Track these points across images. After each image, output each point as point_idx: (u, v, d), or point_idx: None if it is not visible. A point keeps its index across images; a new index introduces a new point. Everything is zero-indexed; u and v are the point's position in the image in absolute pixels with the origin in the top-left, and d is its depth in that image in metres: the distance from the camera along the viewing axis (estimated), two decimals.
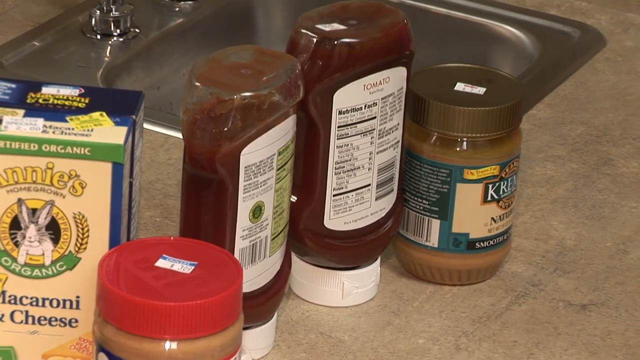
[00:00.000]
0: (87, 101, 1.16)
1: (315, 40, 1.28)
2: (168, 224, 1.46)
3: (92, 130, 1.12)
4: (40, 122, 1.12)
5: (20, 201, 1.13)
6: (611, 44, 1.85)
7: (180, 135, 1.52)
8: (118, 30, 1.78)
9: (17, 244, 1.14)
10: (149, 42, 1.79)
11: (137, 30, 1.79)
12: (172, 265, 1.10)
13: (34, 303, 1.15)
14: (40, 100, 1.16)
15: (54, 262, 1.14)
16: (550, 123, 1.55)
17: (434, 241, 1.40)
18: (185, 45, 1.84)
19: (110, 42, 1.78)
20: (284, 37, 1.91)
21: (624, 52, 1.85)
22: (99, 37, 1.79)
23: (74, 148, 1.11)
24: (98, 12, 1.77)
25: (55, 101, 1.16)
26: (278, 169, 1.23)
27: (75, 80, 1.34)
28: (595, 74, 1.79)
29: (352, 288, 1.37)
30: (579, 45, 1.84)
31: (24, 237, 1.13)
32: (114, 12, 1.77)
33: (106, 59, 1.76)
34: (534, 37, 1.85)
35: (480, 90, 1.39)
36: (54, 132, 1.11)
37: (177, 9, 1.86)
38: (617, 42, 1.86)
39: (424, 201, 1.39)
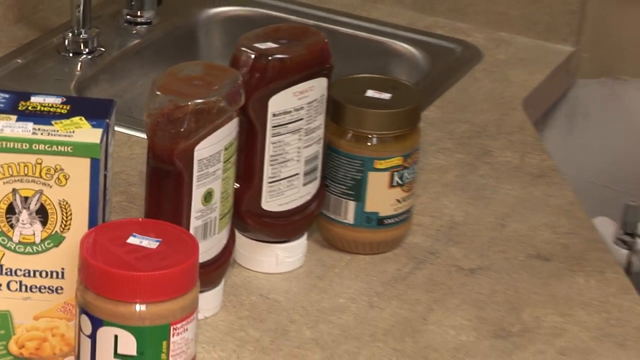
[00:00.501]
0: (68, 108, 1.15)
1: (253, 56, 1.28)
2: (132, 207, 1.45)
3: (73, 132, 1.12)
4: (30, 125, 1.12)
5: (14, 191, 1.12)
6: (487, 58, 1.86)
7: (139, 134, 1.55)
8: (87, 50, 1.76)
9: (12, 226, 1.13)
10: (112, 59, 1.78)
11: (102, 49, 1.78)
12: (140, 242, 1.10)
13: (27, 274, 1.14)
14: (30, 108, 1.15)
15: (43, 241, 1.13)
16: (440, 122, 1.56)
17: (350, 219, 1.40)
18: (142, 62, 1.83)
19: (80, 59, 1.76)
20: (221, 54, 1.91)
21: (497, 63, 1.86)
22: (71, 55, 1.78)
23: (59, 147, 1.11)
24: (70, 34, 1.76)
25: (42, 108, 1.15)
26: (224, 162, 1.24)
27: (52, 91, 1.33)
28: (475, 82, 1.80)
29: (284, 258, 1.37)
30: (461, 58, 1.84)
31: (18, 220, 1.13)
32: (83, 35, 1.76)
33: (77, 73, 1.75)
34: (425, 52, 1.85)
35: (386, 96, 1.39)
36: (42, 134, 1.10)
37: (134, 32, 1.85)
38: (492, 56, 1.87)
39: (341, 186, 1.39)
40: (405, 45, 1.86)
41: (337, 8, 1.94)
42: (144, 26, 1.85)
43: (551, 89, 1.87)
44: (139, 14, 1.85)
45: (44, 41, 1.81)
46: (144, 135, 1.51)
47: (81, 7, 1.75)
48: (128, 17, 1.87)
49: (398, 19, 1.92)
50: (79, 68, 1.75)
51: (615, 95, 1.92)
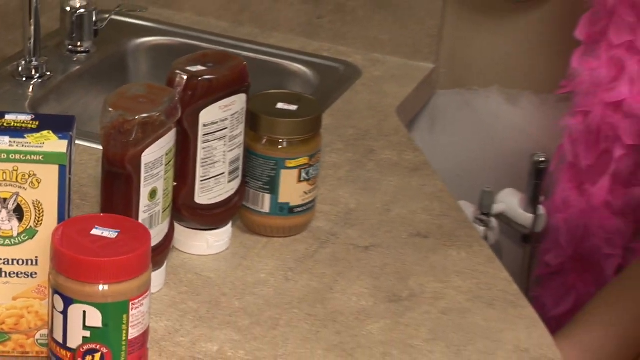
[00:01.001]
0: (37, 124, 1.14)
1: (185, 77, 1.27)
2: (85, 204, 1.44)
3: (43, 143, 1.11)
4: (7, 139, 1.11)
5: None
6: (365, 74, 1.87)
7: (85, 144, 1.53)
8: (37, 74, 1.74)
9: None
10: (58, 82, 1.76)
11: (50, 74, 1.76)
12: (102, 233, 1.09)
13: (6, 263, 1.13)
14: (5, 124, 1.14)
15: (19, 234, 1.12)
16: (331, 128, 1.56)
17: (266, 208, 1.39)
18: (83, 84, 1.81)
19: (32, 83, 1.74)
20: (147, 76, 1.90)
21: (374, 79, 1.87)
22: (24, 79, 1.76)
23: (32, 156, 1.10)
24: (23, 62, 1.75)
25: (16, 124, 1.14)
26: (165, 165, 1.23)
27: (10, 109, 1.32)
28: (357, 95, 1.81)
29: (214, 242, 1.37)
30: (344, 76, 1.85)
31: None
32: (34, 62, 1.74)
33: (30, 94, 1.73)
34: (314, 71, 1.85)
35: (293, 107, 1.39)
36: (17, 146, 1.09)
37: (75, 59, 1.83)
38: (369, 73, 1.88)
39: (259, 182, 1.39)
40: (299, 66, 1.86)
41: (241, 37, 1.94)
42: (84, 54, 1.84)
43: (417, 98, 1.88)
44: (79, 44, 1.84)
45: (1, 68, 1.78)
46: (90, 145, 1.52)
47: (32, 39, 1.74)
48: (70, 47, 1.85)
49: (291, 45, 1.93)
50: (31, 90, 1.72)
51: (467, 103, 1.94)
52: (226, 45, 1.85)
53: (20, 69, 1.78)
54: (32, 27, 1.76)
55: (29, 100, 1.73)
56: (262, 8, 1.95)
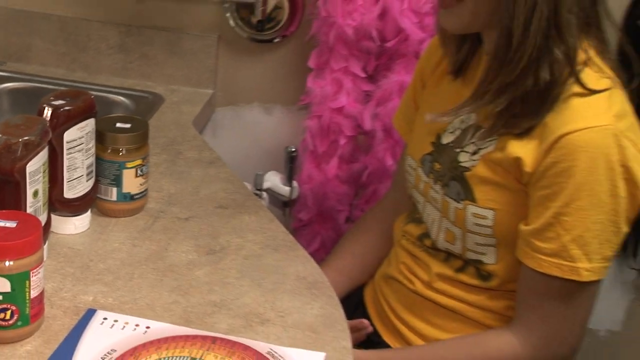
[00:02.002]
0: None
1: (51, 109, 1.23)
2: None
3: None
4: None
5: None
6: (167, 100, 1.84)
7: None
8: None
9: None
10: None
11: None
12: (5, 224, 1.06)
13: None
14: None
15: None
16: (150, 138, 1.45)
17: (114, 197, 1.35)
18: None
19: None
20: (9, 112, 1.81)
21: (173, 103, 1.84)
22: None
23: None
24: None
25: None
26: (43, 172, 1.19)
27: None
28: (163, 115, 1.78)
29: (79, 224, 1.32)
30: (152, 102, 1.83)
31: None
32: None
33: None
34: (131, 100, 1.82)
35: (128, 125, 1.36)
36: None
37: None
38: (170, 99, 1.85)
39: (107, 179, 1.34)
40: (120, 97, 1.82)
41: (76, 79, 1.87)
42: None
43: (204, 114, 1.86)
44: None
45: None
46: None
47: None
48: None
49: (112, 83, 1.87)
50: None
51: (237, 115, 1.94)
52: (65, 86, 1.78)
53: None
54: None
55: None
56: (88, 58, 1.89)
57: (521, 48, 1.21)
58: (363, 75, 1.76)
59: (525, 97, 1.23)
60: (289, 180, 1.82)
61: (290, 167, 1.81)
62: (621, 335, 1.94)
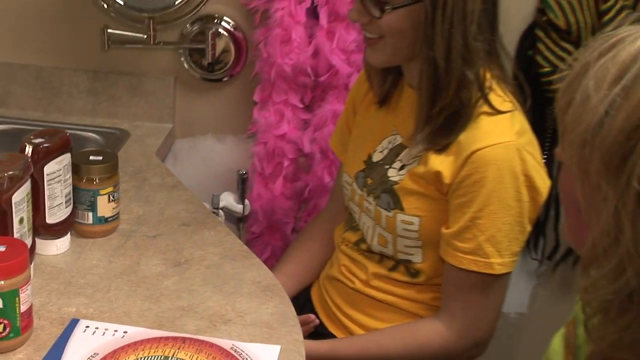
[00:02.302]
0: None
1: (32, 147, 1.22)
2: None
3: None
4: None
5: None
6: (132, 135, 1.80)
7: None
8: None
9: None
10: None
11: None
12: None
13: None
14: None
15: None
16: (120, 167, 1.45)
17: (90, 221, 1.33)
18: None
19: None
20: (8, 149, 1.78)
21: (138, 137, 1.80)
22: None
23: None
24: None
25: None
26: (27, 202, 1.18)
27: None
28: (130, 147, 1.74)
29: (61, 246, 1.30)
30: (120, 137, 1.79)
31: None
32: None
33: None
34: (101, 136, 1.79)
35: (100, 158, 1.34)
36: None
37: None
38: (135, 134, 1.81)
39: (84, 205, 1.33)
40: (91, 134, 1.78)
41: (51, 120, 1.83)
42: None
43: (165, 145, 1.83)
44: None
45: None
46: None
47: None
48: None
49: (84, 122, 1.84)
50: None
51: (194, 145, 1.91)
52: (43, 126, 1.73)
53: None
54: None
55: None
56: (62, 101, 1.86)
57: (448, 73, 1.22)
58: (301, 105, 1.75)
59: (448, 118, 1.25)
60: (241, 199, 1.81)
61: (242, 187, 1.80)
62: (527, 316, 1.95)
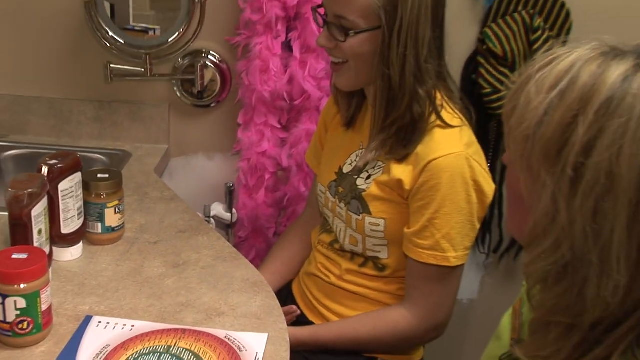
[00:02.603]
0: None
1: (48, 167, 1.21)
2: (6, 245, 1.29)
3: None
4: None
5: None
6: (134, 155, 1.78)
7: None
8: None
9: None
10: None
11: None
12: (18, 256, 1.04)
13: None
14: None
15: None
16: (124, 183, 1.45)
17: (99, 230, 1.32)
18: None
19: None
20: (14, 172, 1.74)
21: (139, 157, 1.78)
22: None
23: None
24: None
25: None
26: (44, 215, 1.17)
27: None
28: (132, 166, 1.72)
29: (74, 253, 1.29)
30: (122, 158, 1.76)
31: None
32: None
33: None
34: (106, 157, 1.77)
35: (107, 175, 1.33)
36: None
37: None
38: (136, 154, 1.79)
39: (93, 217, 1.32)
40: (98, 155, 1.77)
41: (63, 144, 1.80)
42: None
43: (162, 164, 1.82)
44: None
45: None
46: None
47: None
48: None
49: (91, 144, 1.82)
50: None
51: (187, 163, 1.90)
52: (56, 150, 1.71)
53: None
54: None
55: None
56: (72, 128, 1.84)
57: (402, 89, 1.23)
58: (279, 126, 1.75)
59: (401, 130, 1.25)
60: (229, 208, 1.80)
61: (230, 198, 1.79)
62: (477, 302, 1.95)
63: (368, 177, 1.32)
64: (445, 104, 1.28)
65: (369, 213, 1.31)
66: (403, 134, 1.25)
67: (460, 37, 1.69)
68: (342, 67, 1.28)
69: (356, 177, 1.34)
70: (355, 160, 1.36)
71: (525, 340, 0.81)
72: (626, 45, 0.78)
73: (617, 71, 0.74)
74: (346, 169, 1.37)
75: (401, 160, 1.26)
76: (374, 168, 1.31)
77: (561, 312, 0.76)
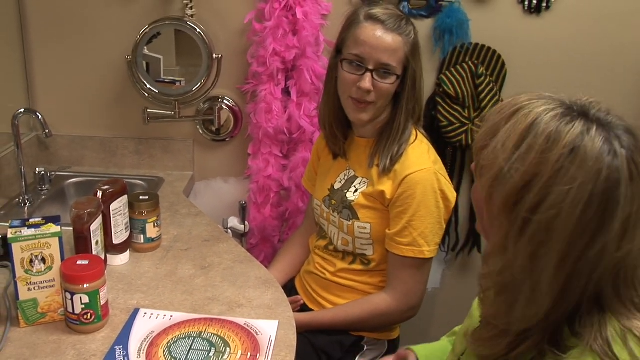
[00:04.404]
0: (43, 221, 1.06)
1: (102, 192, 1.21)
2: (71, 253, 1.27)
3: (49, 229, 1.04)
4: (33, 229, 1.03)
5: (32, 254, 1.03)
6: (167, 181, 1.78)
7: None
8: (29, 202, 1.53)
9: (32, 265, 1.04)
10: (39, 204, 1.55)
11: (32, 201, 1.55)
12: (83, 262, 1.05)
13: (42, 282, 1.05)
14: (31, 223, 1.05)
15: (45, 269, 1.04)
16: (160, 203, 1.39)
17: (142, 240, 1.32)
18: (51, 203, 1.61)
19: (26, 206, 1.54)
20: (75, 196, 1.73)
21: (170, 182, 1.77)
22: (23, 205, 1.53)
23: (45, 234, 1.02)
24: (21, 197, 1.53)
25: (34, 222, 1.06)
26: (100, 230, 1.18)
27: (22, 218, 1.18)
28: (165, 189, 1.71)
29: (124, 258, 1.28)
30: (157, 183, 1.75)
31: (34, 263, 1.03)
32: (26, 196, 1.53)
33: (26, 210, 1.52)
34: (145, 182, 1.76)
35: (147, 197, 1.32)
36: (38, 231, 1.02)
37: (43, 194, 1.62)
38: (168, 180, 1.79)
39: (137, 230, 1.31)
40: (138, 181, 1.77)
41: (111, 172, 1.81)
42: (46, 191, 1.65)
43: (189, 187, 1.81)
44: (43, 187, 1.65)
45: (12, 201, 1.55)
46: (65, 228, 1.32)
47: (24, 188, 1.52)
48: (39, 189, 1.63)
49: (132, 172, 1.82)
50: (26, 209, 1.53)
51: (208, 185, 1.89)
52: (106, 178, 1.72)
53: (19, 200, 1.56)
54: (23, 182, 1.56)
55: (26, 214, 1.52)
56: (117, 160, 1.84)
57: (400, 126, 1.26)
58: (281, 155, 1.74)
59: (392, 148, 1.27)
60: (242, 221, 1.79)
61: (243, 213, 1.79)
62: (440, 290, 1.94)
63: (355, 191, 1.32)
64: (417, 133, 1.30)
65: (358, 219, 1.31)
66: (393, 152, 1.26)
67: (423, 82, 1.71)
68: (369, 105, 1.26)
69: (346, 191, 1.34)
70: (344, 178, 1.36)
71: (476, 329, 0.82)
72: (575, 103, 0.74)
73: (566, 138, 0.70)
74: (337, 185, 1.37)
75: (382, 175, 1.27)
76: (359, 183, 1.31)
77: (497, 318, 0.77)
